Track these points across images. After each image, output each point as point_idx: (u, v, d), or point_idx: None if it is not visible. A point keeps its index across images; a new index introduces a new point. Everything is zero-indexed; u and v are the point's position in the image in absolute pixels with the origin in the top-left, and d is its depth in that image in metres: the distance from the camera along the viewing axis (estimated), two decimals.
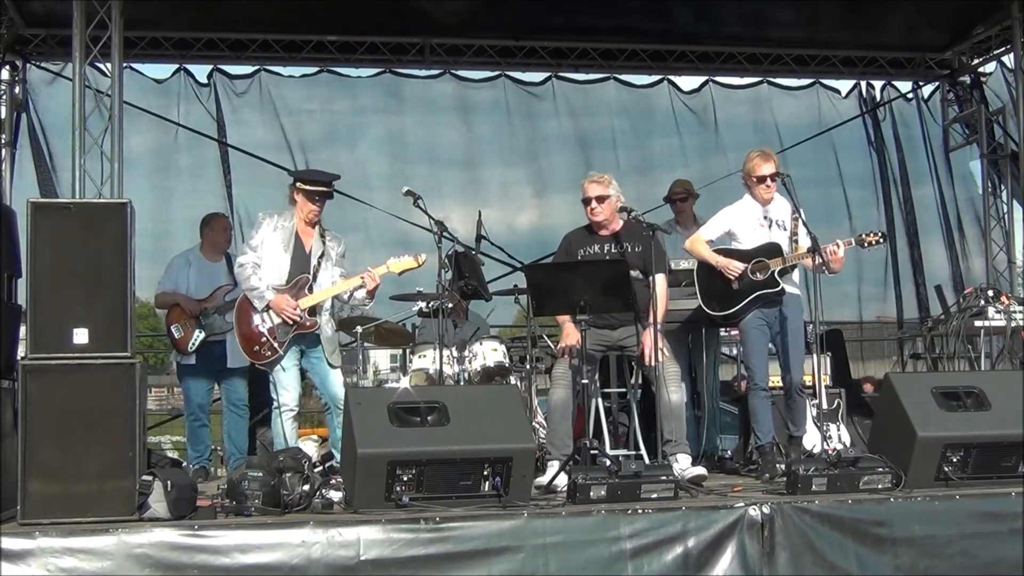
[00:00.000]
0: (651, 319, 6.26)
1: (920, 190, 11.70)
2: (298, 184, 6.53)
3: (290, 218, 6.52)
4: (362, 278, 6.45)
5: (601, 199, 6.48)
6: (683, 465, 6.10)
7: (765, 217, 6.75)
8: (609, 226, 6.56)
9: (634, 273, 6.35)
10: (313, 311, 6.43)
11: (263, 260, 6.44)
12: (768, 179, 6.72)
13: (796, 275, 6.76)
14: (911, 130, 11.75)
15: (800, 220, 6.63)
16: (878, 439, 6.05)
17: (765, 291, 6.62)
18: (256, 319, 6.38)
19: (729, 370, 8.82)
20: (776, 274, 6.59)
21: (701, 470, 6.16)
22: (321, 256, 6.50)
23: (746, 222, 6.78)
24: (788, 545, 5.06)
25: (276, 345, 6.36)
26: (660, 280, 6.43)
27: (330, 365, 6.49)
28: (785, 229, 6.70)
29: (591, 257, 6.54)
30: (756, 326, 6.67)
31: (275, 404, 6.42)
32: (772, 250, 6.66)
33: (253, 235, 6.54)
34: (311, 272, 6.47)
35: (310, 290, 6.45)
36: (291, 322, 6.33)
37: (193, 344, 7.50)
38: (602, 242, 6.56)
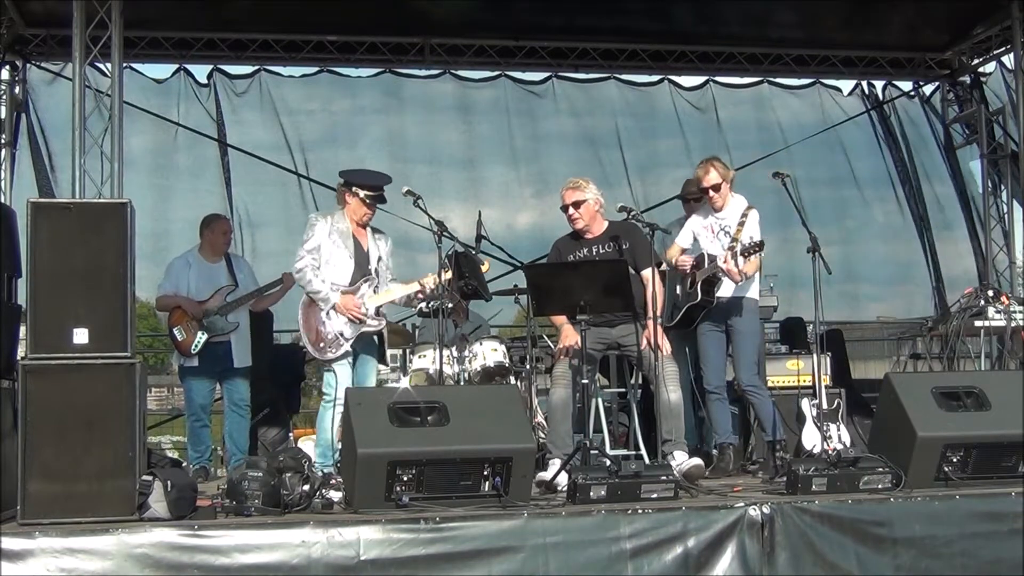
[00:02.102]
0: (650, 313, 6.28)
1: (931, 188, 11.70)
2: (354, 188, 6.53)
3: (342, 219, 6.55)
4: (422, 284, 6.54)
5: (577, 204, 6.52)
6: (679, 460, 6.12)
7: (717, 224, 6.85)
8: (593, 229, 6.58)
9: None
10: (378, 311, 6.54)
11: (322, 262, 6.47)
12: (709, 191, 6.82)
13: (755, 277, 6.79)
14: (919, 128, 11.76)
15: (744, 225, 6.64)
16: (878, 439, 6.05)
17: (691, 303, 6.74)
18: (323, 317, 6.44)
19: (729, 370, 8.82)
20: (699, 288, 6.67)
21: (697, 461, 6.18)
22: (378, 258, 6.61)
23: (702, 230, 6.92)
24: (788, 545, 5.05)
25: (343, 342, 6.44)
26: (652, 274, 6.42)
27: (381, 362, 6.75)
28: (728, 235, 6.74)
29: (581, 260, 6.54)
30: (706, 331, 6.83)
31: (326, 398, 6.45)
32: (700, 263, 6.78)
33: (307, 237, 6.50)
34: (373, 272, 6.56)
35: (375, 290, 6.54)
36: (357, 321, 6.42)
37: (196, 346, 7.49)
38: (589, 245, 6.58)
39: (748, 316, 6.79)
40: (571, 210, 6.53)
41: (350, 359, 6.51)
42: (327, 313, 6.43)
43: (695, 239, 6.97)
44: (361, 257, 6.55)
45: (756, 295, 6.88)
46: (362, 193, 6.51)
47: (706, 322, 6.82)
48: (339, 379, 6.40)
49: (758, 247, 6.50)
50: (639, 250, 6.44)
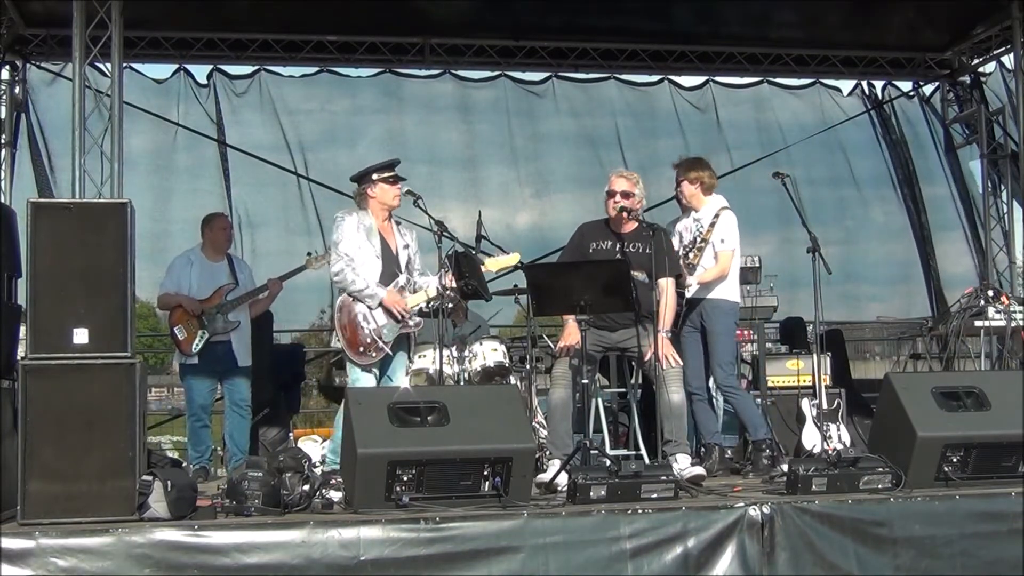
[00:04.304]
0: (660, 325, 6.28)
1: (930, 188, 11.71)
2: (374, 176, 6.45)
3: (367, 216, 6.46)
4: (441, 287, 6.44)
5: (626, 195, 6.49)
6: (682, 465, 6.11)
7: (694, 224, 6.95)
8: (625, 225, 6.55)
9: (641, 276, 6.33)
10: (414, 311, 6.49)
11: (355, 259, 6.36)
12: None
13: (733, 279, 6.85)
14: (916, 128, 11.77)
15: (714, 226, 6.76)
16: (878, 439, 6.05)
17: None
18: (361, 321, 6.34)
19: None
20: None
21: (700, 470, 6.17)
22: (408, 254, 6.52)
23: (684, 231, 7.03)
24: (788, 545, 5.05)
25: (382, 345, 6.34)
26: (667, 284, 6.41)
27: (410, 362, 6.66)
28: (700, 234, 6.85)
29: (602, 252, 6.52)
30: (684, 333, 6.88)
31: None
32: None
33: (338, 239, 6.39)
34: (402, 272, 6.47)
35: (410, 291, 6.47)
36: (399, 319, 6.33)
37: (197, 345, 7.49)
38: (614, 240, 6.55)
39: (719, 317, 6.81)
40: (618, 196, 6.48)
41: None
42: (365, 316, 6.32)
43: (680, 240, 7.01)
44: (389, 256, 6.46)
45: (731, 296, 6.88)
46: (385, 174, 6.46)
47: (685, 324, 6.84)
48: (364, 383, 6.31)
49: (691, 248, 6.70)
50: (659, 259, 6.31)
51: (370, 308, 6.34)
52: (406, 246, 6.55)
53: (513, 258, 6.80)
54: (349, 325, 6.39)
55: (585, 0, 9.99)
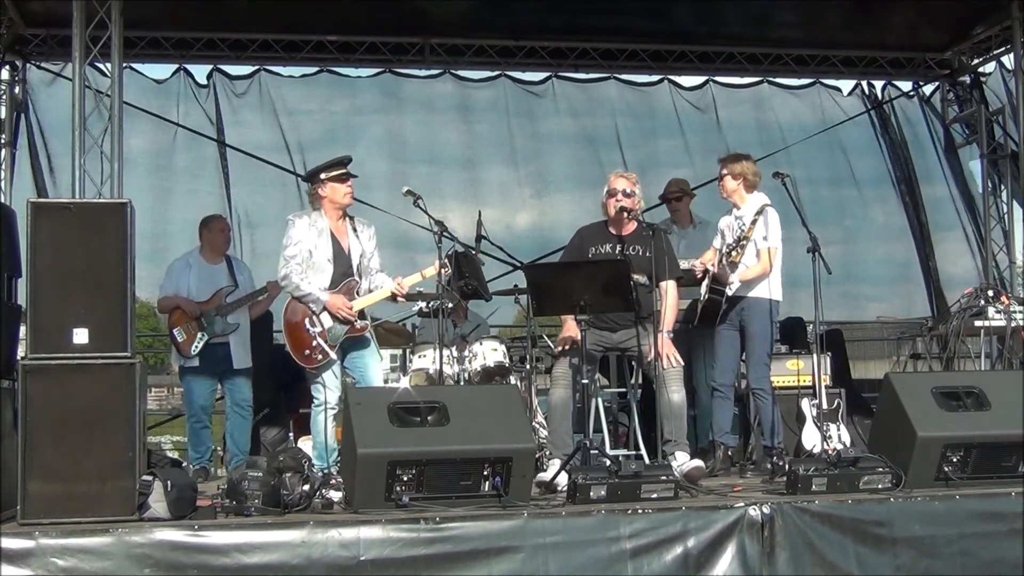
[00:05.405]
0: (659, 326, 6.26)
1: (929, 188, 11.71)
2: (323, 175, 6.37)
3: (320, 217, 6.38)
4: (393, 292, 6.42)
5: (627, 195, 6.49)
6: (680, 461, 6.12)
7: (736, 222, 6.92)
8: (625, 226, 6.55)
9: (642, 278, 6.33)
10: (363, 314, 6.40)
11: (305, 262, 6.32)
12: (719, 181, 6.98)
13: (775, 276, 6.82)
14: (916, 128, 11.77)
15: (756, 224, 6.72)
16: (878, 439, 6.05)
17: (703, 302, 6.76)
18: (307, 324, 6.31)
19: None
20: (707, 287, 6.74)
21: (698, 462, 6.18)
22: (360, 255, 6.43)
23: (726, 228, 7.01)
24: (788, 545, 5.05)
25: (327, 348, 6.30)
26: (668, 287, 6.41)
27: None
28: (743, 232, 6.82)
29: (601, 255, 6.52)
30: (721, 330, 6.83)
31: (315, 403, 6.35)
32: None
33: (287, 243, 6.35)
34: (355, 273, 6.41)
35: (357, 292, 6.40)
36: (345, 323, 6.28)
37: (196, 347, 7.48)
38: (614, 242, 6.55)
39: (757, 317, 6.75)
40: (619, 195, 6.48)
41: (337, 364, 6.38)
42: (311, 319, 6.29)
43: (723, 238, 6.99)
44: (341, 257, 6.38)
45: (772, 295, 6.80)
46: (333, 173, 6.37)
47: (724, 321, 6.80)
48: (328, 385, 6.30)
49: (734, 246, 6.65)
50: (659, 260, 6.30)
51: (314, 312, 6.31)
52: (360, 247, 6.44)
53: None
54: (294, 328, 6.35)
55: (585, 0, 9.99)
